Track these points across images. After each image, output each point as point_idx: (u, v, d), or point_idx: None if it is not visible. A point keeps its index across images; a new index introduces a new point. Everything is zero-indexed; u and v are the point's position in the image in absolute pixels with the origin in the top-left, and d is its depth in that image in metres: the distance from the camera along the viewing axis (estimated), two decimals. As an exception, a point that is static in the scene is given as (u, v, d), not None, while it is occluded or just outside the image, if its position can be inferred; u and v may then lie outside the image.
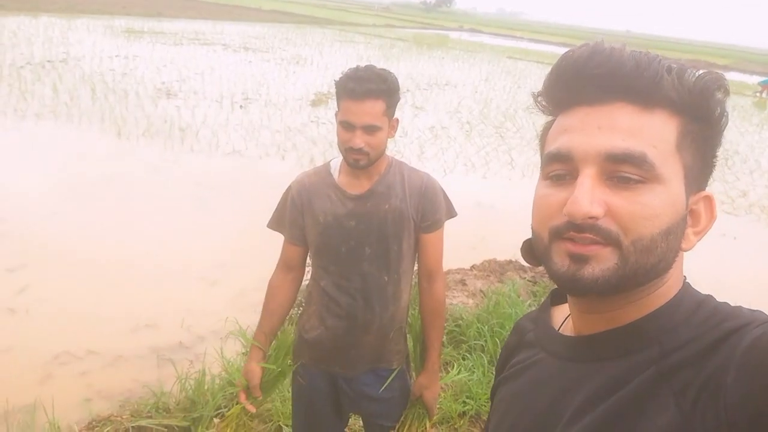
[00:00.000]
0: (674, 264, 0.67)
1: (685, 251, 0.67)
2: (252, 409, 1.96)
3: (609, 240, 0.63)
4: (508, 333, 0.96)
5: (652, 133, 0.64)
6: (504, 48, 38.34)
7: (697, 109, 0.65)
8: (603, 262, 0.63)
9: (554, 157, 0.68)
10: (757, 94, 25.43)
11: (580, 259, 0.64)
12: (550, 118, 0.75)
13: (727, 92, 0.66)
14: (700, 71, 0.65)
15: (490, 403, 1.00)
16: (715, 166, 0.70)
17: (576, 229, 0.64)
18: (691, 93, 0.64)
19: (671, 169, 0.64)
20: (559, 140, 0.68)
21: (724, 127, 0.67)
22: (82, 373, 3.37)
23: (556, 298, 0.88)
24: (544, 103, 0.73)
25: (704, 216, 0.68)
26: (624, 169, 0.63)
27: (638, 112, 0.64)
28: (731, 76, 35.15)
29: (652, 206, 0.62)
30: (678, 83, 0.64)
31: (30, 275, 4.30)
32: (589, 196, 0.62)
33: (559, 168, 0.67)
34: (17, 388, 3.07)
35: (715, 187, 9.15)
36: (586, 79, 0.66)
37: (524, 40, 53.83)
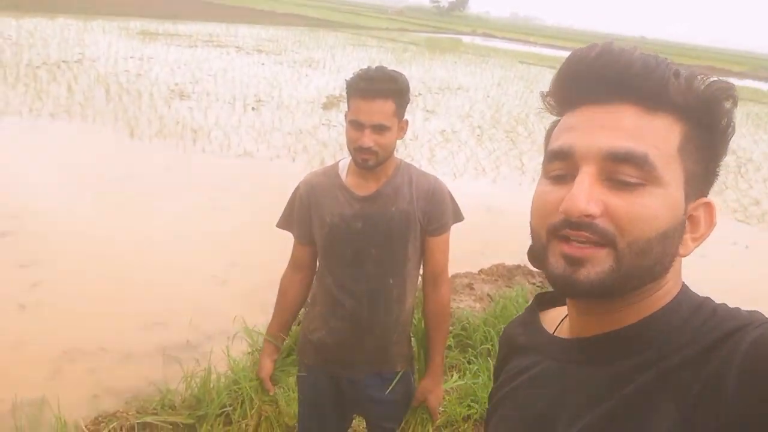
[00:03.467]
0: (671, 269, 0.66)
1: (682, 257, 0.67)
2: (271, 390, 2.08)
3: (605, 240, 0.62)
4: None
5: (655, 135, 0.64)
6: (517, 53, 38.28)
7: (702, 116, 0.65)
8: (598, 264, 0.63)
9: (556, 154, 0.68)
10: None
11: (576, 262, 0.63)
12: (556, 118, 0.75)
13: (735, 102, 0.65)
14: (711, 79, 0.64)
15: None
16: (717, 175, 0.69)
17: (572, 226, 0.63)
18: (698, 99, 0.64)
19: (672, 173, 0.64)
20: (562, 138, 0.68)
21: (730, 138, 0.67)
22: (91, 369, 3.40)
23: (543, 304, 0.87)
24: (552, 102, 0.74)
25: (704, 223, 0.67)
26: (624, 171, 0.63)
27: (642, 114, 0.64)
28: (746, 84, 34.87)
29: (651, 208, 0.62)
30: (686, 88, 0.64)
31: (42, 271, 4.35)
32: (586, 194, 0.62)
33: (560, 167, 0.67)
34: (26, 383, 3.11)
35: (727, 195, 9.10)
36: (594, 77, 0.66)
37: (537, 45, 53.68)
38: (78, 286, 4.24)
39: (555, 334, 0.79)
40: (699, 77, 0.64)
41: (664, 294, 0.67)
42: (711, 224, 0.68)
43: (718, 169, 0.69)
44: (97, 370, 3.40)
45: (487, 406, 0.92)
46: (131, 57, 15.04)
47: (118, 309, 4.01)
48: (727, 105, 0.65)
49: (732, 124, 0.66)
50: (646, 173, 0.62)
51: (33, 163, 6.75)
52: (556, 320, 0.81)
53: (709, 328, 0.61)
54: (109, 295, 4.17)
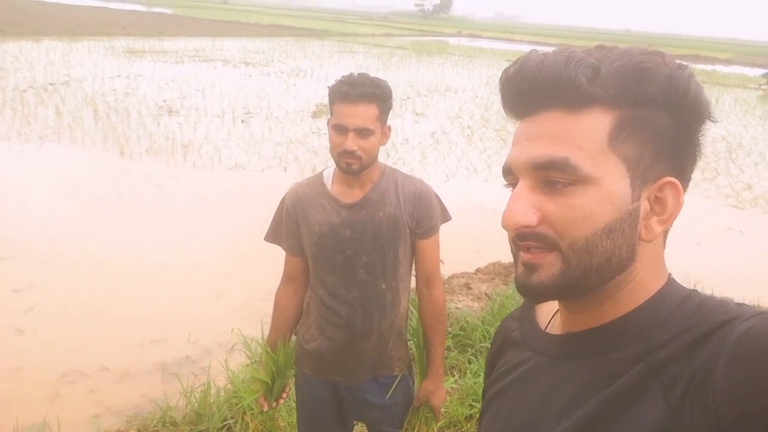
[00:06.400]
0: (639, 258, 0.66)
1: (648, 242, 0.66)
2: (265, 407, 2.01)
3: (551, 245, 0.65)
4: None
5: (578, 135, 0.64)
6: (503, 51, 38.37)
7: (629, 97, 0.63)
8: (549, 268, 0.66)
9: (503, 171, 0.71)
10: (763, 87, 25.15)
11: (531, 267, 0.67)
12: None
13: (656, 67, 0.62)
14: (629, 58, 0.63)
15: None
16: (694, 145, 0.66)
17: (519, 237, 0.67)
18: (614, 84, 0.63)
19: (604, 167, 0.63)
20: (508, 155, 0.71)
21: (693, 103, 0.64)
22: (91, 390, 3.39)
23: None
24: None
25: (671, 202, 0.66)
26: (551, 175, 0.64)
27: (565, 116, 0.65)
28: (733, 70, 35.04)
29: (582, 208, 0.63)
30: (603, 78, 0.63)
31: (37, 295, 4.34)
32: (520, 207, 0.65)
33: (510, 180, 0.71)
34: (26, 407, 3.10)
35: (719, 181, 9.14)
36: (514, 95, 0.69)
37: (523, 43, 53.83)
38: (74, 307, 4.23)
39: (547, 329, 0.80)
40: (617, 61, 0.63)
41: (641, 284, 0.67)
42: (678, 204, 0.66)
43: (692, 138, 0.66)
44: (97, 390, 3.39)
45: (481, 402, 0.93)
46: (118, 76, 15.03)
47: (116, 328, 4.00)
48: (656, 77, 0.62)
49: (668, 87, 0.63)
50: (569, 175, 0.63)
51: (24, 187, 6.74)
52: (551, 315, 0.82)
53: (697, 320, 0.61)
54: (106, 314, 4.16)
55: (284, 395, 2.07)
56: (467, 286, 4.74)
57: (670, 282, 0.69)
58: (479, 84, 19.53)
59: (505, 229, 0.67)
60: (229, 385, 3.10)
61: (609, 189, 0.64)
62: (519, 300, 4.13)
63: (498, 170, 8.18)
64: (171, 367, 3.59)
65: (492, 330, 3.71)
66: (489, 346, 3.18)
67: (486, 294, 4.56)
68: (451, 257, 2.01)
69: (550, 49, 0.68)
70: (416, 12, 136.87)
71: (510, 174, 0.70)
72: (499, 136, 11.24)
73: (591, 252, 0.64)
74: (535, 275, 0.67)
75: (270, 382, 1.99)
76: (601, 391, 0.64)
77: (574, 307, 0.72)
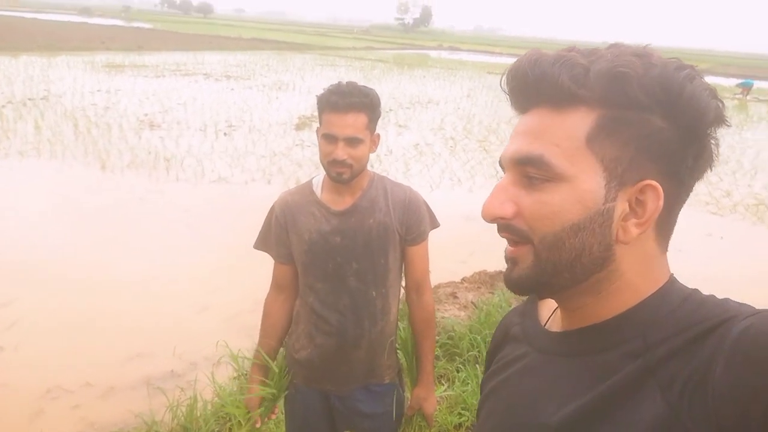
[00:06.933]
0: (621, 258, 0.66)
1: (624, 243, 0.66)
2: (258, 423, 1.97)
3: (525, 238, 0.68)
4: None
5: (558, 133, 0.65)
6: (484, 64, 38.73)
7: (614, 98, 0.63)
8: (524, 261, 0.69)
9: (499, 164, 0.74)
10: (738, 96, 25.62)
11: (512, 262, 0.70)
12: None
13: (634, 71, 0.61)
14: (613, 60, 0.62)
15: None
16: (695, 148, 0.64)
17: (498, 229, 0.70)
18: (599, 86, 0.63)
19: (579, 166, 0.64)
20: None
21: (688, 105, 0.62)
22: (74, 406, 3.33)
23: None
24: None
25: (650, 205, 0.64)
26: (529, 171, 0.66)
27: (551, 114, 0.66)
28: (709, 80, 35.71)
29: (552, 204, 0.65)
30: (585, 79, 0.63)
31: (19, 311, 4.26)
32: (497, 199, 0.68)
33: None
34: (8, 425, 3.04)
35: (698, 188, 9.17)
36: (511, 92, 0.71)
37: (503, 55, 54.38)
38: (57, 322, 4.16)
39: (547, 325, 0.80)
40: (603, 64, 0.63)
41: (627, 286, 0.67)
42: (656, 207, 0.64)
43: (678, 144, 0.63)
44: (81, 406, 3.33)
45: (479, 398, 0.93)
46: (98, 90, 14.92)
47: (100, 343, 3.94)
48: (625, 78, 0.62)
49: (658, 89, 0.62)
50: (544, 172, 0.65)
51: (4, 202, 6.64)
52: (549, 311, 0.82)
53: (696, 319, 0.61)
54: (90, 329, 4.10)
55: (276, 410, 2.04)
56: (454, 296, 4.74)
57: (672, 282, 0.68)
58: (461, 96, 19.69)
59: (483, 218, 0.69)
60: (216, 399, 3.06)
61: (581, 188, 0.64)
62: (506, 308, 4.17)
63: (481, 180, 8.25)
64: (156, 381, 3.54)
65: (480, 338, 3.72)
66: (477, 354, 3.20)
67: (472, 303, 4.57)
68: (437, 267, 2.01)
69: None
70: (396, 25, 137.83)
71: (503, 168, 0.72)
72: (482, 146, 11.32)
73: (559, 248, 0.66)
74: (516, 269, 0.70)
75: (276, 392, 1.96)
76: (596, 387, 0.64)
77: (565, 304, 0.73)
